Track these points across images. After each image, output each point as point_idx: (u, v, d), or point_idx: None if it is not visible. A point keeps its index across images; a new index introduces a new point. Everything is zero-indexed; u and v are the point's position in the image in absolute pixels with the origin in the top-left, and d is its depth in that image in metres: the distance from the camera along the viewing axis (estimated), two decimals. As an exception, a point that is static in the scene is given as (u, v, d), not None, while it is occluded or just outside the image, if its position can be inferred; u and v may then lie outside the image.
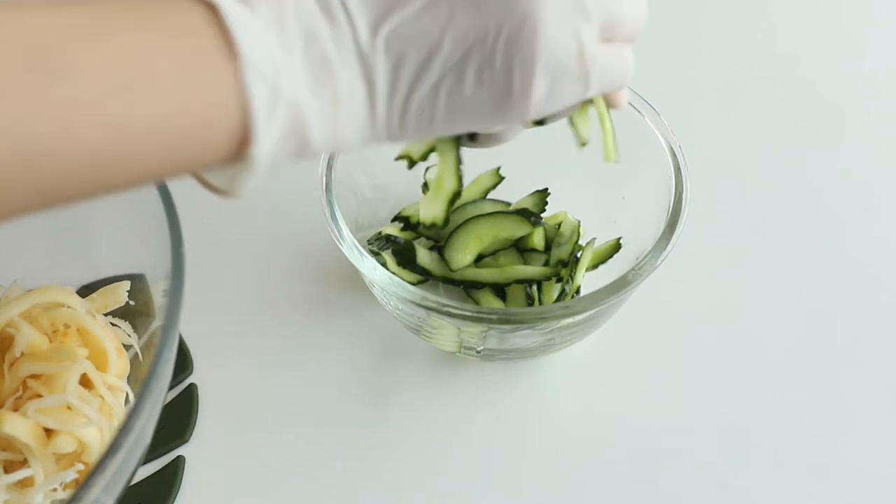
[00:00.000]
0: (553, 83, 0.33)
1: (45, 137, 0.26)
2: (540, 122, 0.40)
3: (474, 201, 0.58)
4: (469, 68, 0.32)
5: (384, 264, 0.52)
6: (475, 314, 0.46)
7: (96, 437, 0.46)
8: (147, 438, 0.42)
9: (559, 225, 0.57)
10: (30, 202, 0.28)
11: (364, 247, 0.49)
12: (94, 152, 0.27)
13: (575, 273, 0.54)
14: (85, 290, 0.53)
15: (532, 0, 0.31)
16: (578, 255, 0.56)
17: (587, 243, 0.55)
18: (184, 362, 0.55)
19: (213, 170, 0.32)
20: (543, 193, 0.58)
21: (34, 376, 0.47)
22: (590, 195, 0.57)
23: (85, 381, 0.47)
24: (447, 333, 0.51)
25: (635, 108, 0.53)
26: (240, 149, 0.30)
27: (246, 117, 0.29)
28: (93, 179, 0.28)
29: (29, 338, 0.47)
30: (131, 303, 0.52)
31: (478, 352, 0.53)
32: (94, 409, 0.46)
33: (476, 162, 0.58)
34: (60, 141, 0.27)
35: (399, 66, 0.31)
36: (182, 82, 0.28)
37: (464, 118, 0.33)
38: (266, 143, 0.30)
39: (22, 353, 0.47)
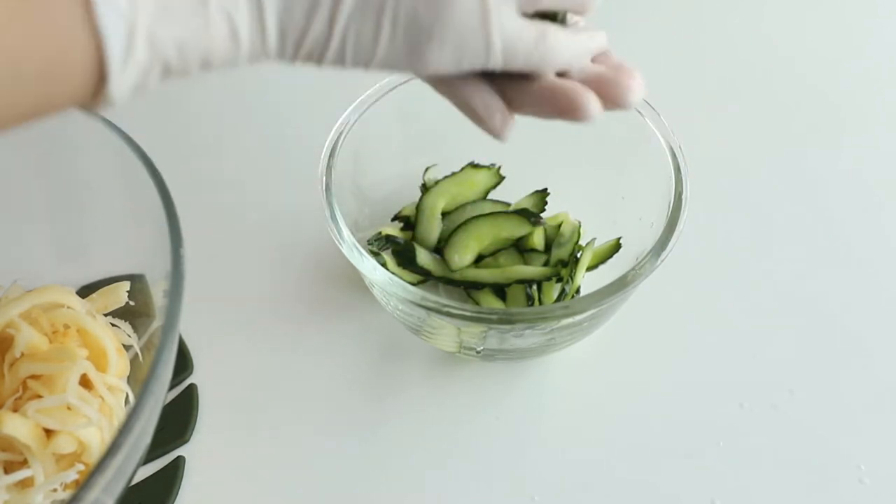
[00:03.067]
0: (456, 47, 0.34)
1: None
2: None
3: (474, 201, 0.58)
4: (371, 18, 0.32)
5: (384, 264, 0.52)
6: (475, 314, 0.46)
7: (96, 438, 0.46)
8: (147, 438, 0.42)
9: (559, 225, 0.57)
10: None
11: (364, 247, 0.49)
12: None
13: (575, 273, 0.54)
14: (85, 291, 0.53)
15: None
16: (578, 255, 0.56)
17: (587, 243, 0.55)
18: (184, 362, 0.55)
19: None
20: (543, 193, 0.58)
21: (34, 377, 0.47)
22: (590, 195, 0.57)
23: (85, 382, 0.47)
24: (447, 333, 0.51)
25: (635, 108, 0.53)
26: (97, 87, 0.30)
27: (101, 56, 0.29)
28: None
29: (29, 338, 0.47)
30: (131, 303, 0.52)
31: (478, 352, 0.53)
32: (94, 410, 0.46)
33: (477, 161, 0.58)
34: None
35: (291, 8, 0.31)
36: (27, 25, 0.28)
37: (366, 64, 0.33)
38: (123, 82, 0.29)
39: (22, 354, 0.47)
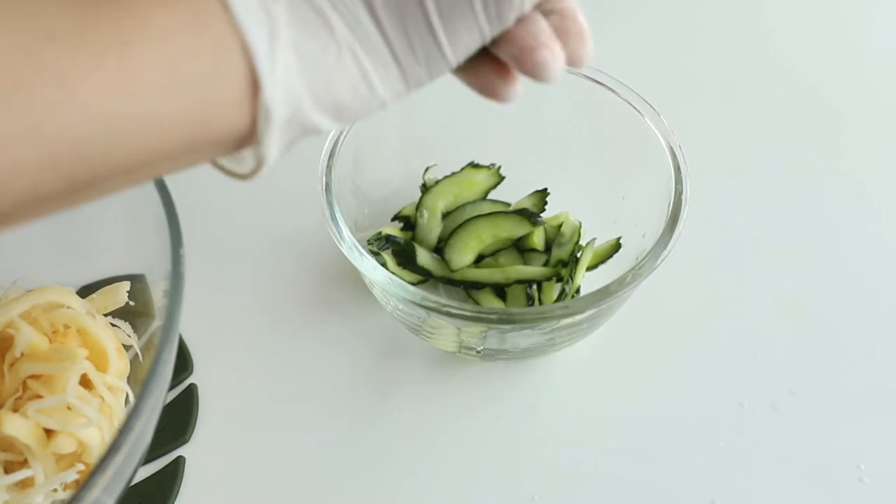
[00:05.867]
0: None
1: (50, 102, 0.25)
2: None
3: (474, 201, 0.58)
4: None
5: (384, 264, 0.53)
6: (475, 314, 0.46)
7: (96, 438, 0.46)
8: (147, 438, 0.42)
9: (560, 225, 0.57)
10: (48, 178, 0.27)
11: (364, 247, 0.49)
12: (103, 116, 0.26)
13: (575, 273, 0.54)
14: (85, 291, 0.53)
15: None
16: (578, 255, 0.56)
17: (587, 243, 0.55)
18: (184, 362, 0.55)
19: (233, 154, 0.31)
20: (543, 193, 0.58)
21: (34, 377, 0.47)
22: (590, 195, 0.57)
23: (85, 382, 0.47)
24: (447, 333, 0.51)
25: (635, 108, 0.53)
26: (253, 101, 0.29)
27: (250, 60, 0.28)
28: (108, 149, 0.27)
29: (29, 338, 0.47)
30: (131, 303, 0.52)
31: (478, 352, 0.53)
32: (94, 410, 0.46)
33: (478, 161, 0.58)
34: (66, 104, 0.26)
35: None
36: (180, 35, 0.27)
37: (456, 18, 0.31)
38: (275, 83, 0.29)
39: (22, 354, 0.47)
